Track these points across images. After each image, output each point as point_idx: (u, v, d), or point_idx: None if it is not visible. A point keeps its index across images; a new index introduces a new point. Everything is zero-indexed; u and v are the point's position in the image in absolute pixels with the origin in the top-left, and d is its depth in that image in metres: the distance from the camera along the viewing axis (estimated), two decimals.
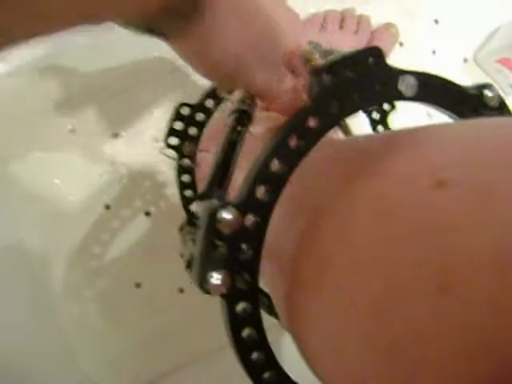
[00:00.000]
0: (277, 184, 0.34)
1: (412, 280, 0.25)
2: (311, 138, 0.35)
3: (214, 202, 0.36)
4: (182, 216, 0.68)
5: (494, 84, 0.86)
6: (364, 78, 0.36)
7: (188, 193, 0.68)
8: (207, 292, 0.34)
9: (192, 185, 0.68)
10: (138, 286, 0.79)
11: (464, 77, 0.92)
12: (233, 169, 0.42)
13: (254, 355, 0.36)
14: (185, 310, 0.81)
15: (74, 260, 0.77)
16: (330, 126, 0.35)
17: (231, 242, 0.34)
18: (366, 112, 0.64)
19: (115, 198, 0.78)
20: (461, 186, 0.26)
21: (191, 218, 0.66)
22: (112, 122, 0.77)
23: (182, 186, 0.68)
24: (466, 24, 0.93)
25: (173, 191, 0.74)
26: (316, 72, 0.35)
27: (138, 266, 0.80)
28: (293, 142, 0.34)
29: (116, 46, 0.79)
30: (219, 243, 0.33)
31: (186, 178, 0.68)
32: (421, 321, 0.24)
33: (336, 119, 0.35)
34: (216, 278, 0.33)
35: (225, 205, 0.33)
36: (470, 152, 0.29)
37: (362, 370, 0.29)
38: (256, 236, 0.34)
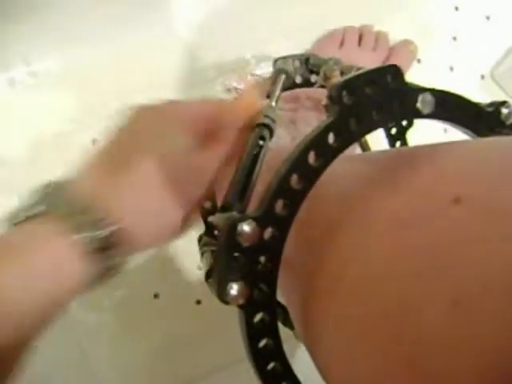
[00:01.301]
0: (295, 199, 0.35)
1: (426, 294, 0.26)
2: (330, 155, 0.35)
3: (235, 214, 0.36)
4: (200, 228, 0.69)
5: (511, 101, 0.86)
6: (382, 95, 0.36)
7: (207, 204, 0.69)
8: (226, 303, 0.35)
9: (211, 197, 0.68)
10: (156, 296, 0.79)
11: (481, 93, 0.93)
12: (254, 182, 0.42)
13: (271, 365, 0.37)
14: (202, 322, 0.81)
15: None
16: (349, 144, 0.36)
17: (250, 254, 0.34)
18: (384, 128, 0.65)
19: None
20: (478, 203, 0.27)
21: (209, 229, 0.67)
22: None
23: None
24: (484, 41, 0.93)
25: None
26: (336, 89, 0.36)
27: (156, 277, 0.80)
28: (312, 159, 0.35)
29: (136, 61, 0.81)
30: (238, 255, 0.34)
31: None
32: (433, 334, 0.25)
33: (355, 136, 0.36)
34: (235, 289, 0.34)
35: (245, 218, 0.34)
36: (486, 170, 0.30)
37: (375, 382, 0.29)
38: (274, 249, 0.35)
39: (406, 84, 0.37)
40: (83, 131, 0.78)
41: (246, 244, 0.34)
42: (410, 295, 0.27)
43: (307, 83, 0.69)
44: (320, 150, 0.35)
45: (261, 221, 0.34)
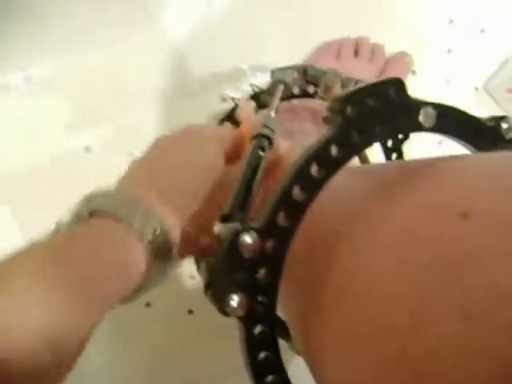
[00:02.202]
0: (297, 211, 0.35)
1: (437, 309, 0.26)
2: (332, 167, 0.35)
3: (236, 225, 0.36)
4: None
5: (505, 114, 0.86)
6: (386, 109, 0.36)
7: None
8: (226, 314, 0.34)
9: None
10: (147, 305, 0.79)
11: (474, 106, 0.93)
12: (254, 192, 0.42)
13: (270, 378, 0.36)
14: (193, 332, 0.81)
15: None
16: (352, 156, 0.36)
17: (251, 265, 0.34)
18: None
19: None
20: (485, 217, 0.27)
21: None
22: (128, 141, 0.78)
23: None
24: (478, 54, 0.94)
25: None
26: (339, 102, 0.36)
27: None
28: (314, 170, 0.35)
29: (132, 68, 0.81)
30: (239, 266, 0.34)
31: None
32: (443, 349, 0.24)
33: (357, 149, 0.36)
34: (235, 301, 0.34)
35: (247, 228, 0.34)
36: (490, 185, 0.30)
37: None
38: (275, 260, 0.35)
39: (409, 97, 0.37)
40: (78, 137, 0.78)
41: (247, 255, 0.34)
42: (420, 310, 0.26)
43: (305, 94, 0.69)
44: (322, 162, 0.35)
45: (262, 232, 0.34)
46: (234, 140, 0.49)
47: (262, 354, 0.36)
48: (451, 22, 0.92)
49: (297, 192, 0.35)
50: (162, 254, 0.39)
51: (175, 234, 0.40)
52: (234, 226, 0.35)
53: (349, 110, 0.35)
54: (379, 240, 0.32)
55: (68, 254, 0.33)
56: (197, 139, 0.47)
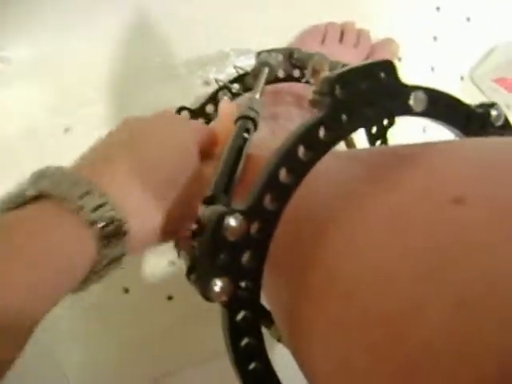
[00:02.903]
0: (284, 193, 0.34)
1: (429, 295, 0.25)
2: (320, 149, 0.34)
3: (221, 207, 0.35)
4: None
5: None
6: (376, 91, 0.35)
7: None
8: (209, 299, 0.33)
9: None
10: (126, 291, 0.78)
11: (460, 95, 0.93)
12: (238, 175, 0.41)
13: (252, 365, 0.36)
14: (172, 318, 0.80)
15: None
16: (340, 139, 0.35)
17: (236, 249, 0.33)
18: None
19: None
20: (479, 203, 0.26)
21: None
22: (109, 124, 0.77)
23: None
24: (464, 42, 0.94)
25: None
26: (328, 83, 0.35)
27: (126, 270, 0.79)
28: (302, 152, 0.34)
29: (115, 50, 0.79)
30: (223, 250, 0.33)
31: None
32: (436, 335, 0.24)
33: (346, 131, 0.35)
34: (218, 286, 0.33)
35: (232, 211, 0.33)
36: (482, 169, 0.29)
37: None
38: (261, 244, 0.34)
39: (399, 80, 0.36)
40: (58, 118, 0.77)
41: (231, 238, 0.33)
42: (412, 296, 0.26)
43: (289, 78, 0.68)
44: (310, 144, 0.34)
45: (248, 215, 0.33)
46: (207, 135, 0.48)
47: (245, 341, 0.35)
48: (438, 9, 0.92)
49: (283, 174, 0.34)
50: (115, 241, 0.37)
51: (135, 221, 0.38)
52: (219, 208, 0.34)
53: (338, 91, 0.35)
54: (372, 224, 0.31)
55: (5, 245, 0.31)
56: (171, 123, 0.46)
